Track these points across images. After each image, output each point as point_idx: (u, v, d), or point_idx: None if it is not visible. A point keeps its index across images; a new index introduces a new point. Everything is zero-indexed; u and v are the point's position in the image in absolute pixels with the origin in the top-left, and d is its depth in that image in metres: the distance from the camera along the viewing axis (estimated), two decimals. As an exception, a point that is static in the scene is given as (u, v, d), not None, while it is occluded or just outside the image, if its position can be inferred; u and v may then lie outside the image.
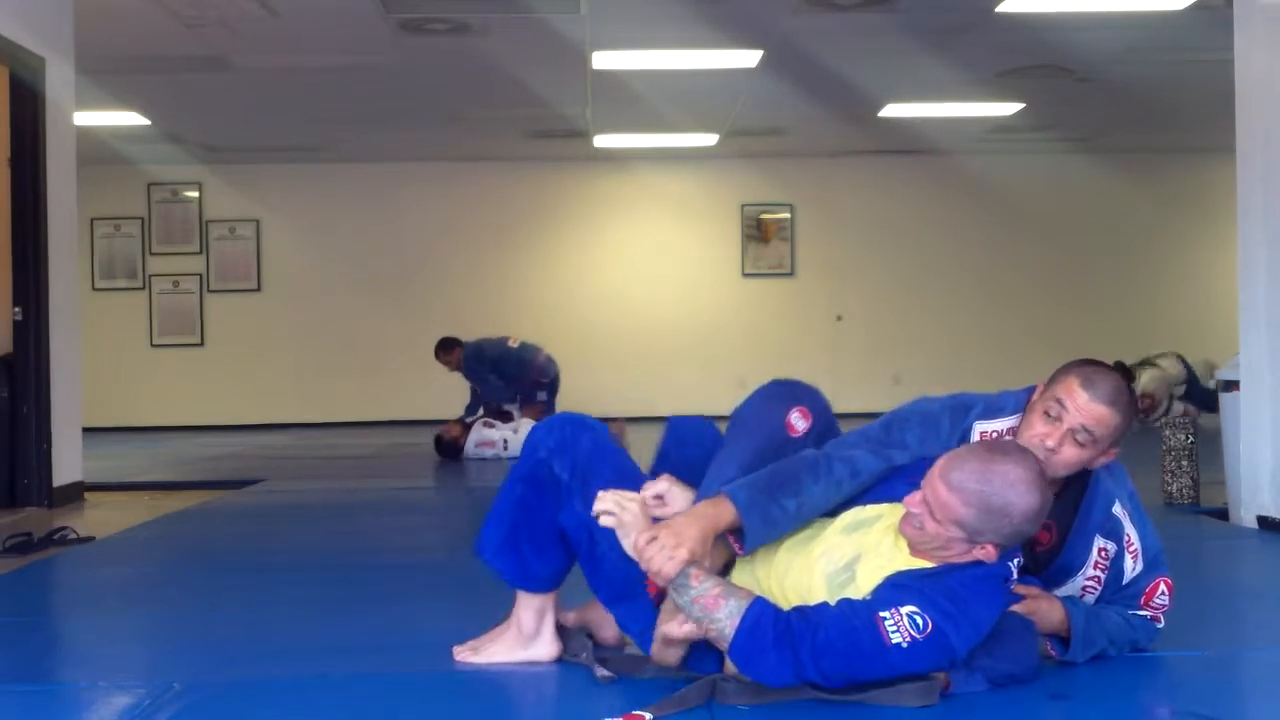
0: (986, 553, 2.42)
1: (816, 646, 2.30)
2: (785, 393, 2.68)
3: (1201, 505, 5.51)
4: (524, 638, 2.76)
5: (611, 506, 2.45)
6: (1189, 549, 4.59)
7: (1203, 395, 9.85)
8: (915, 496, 2.44)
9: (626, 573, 2.56)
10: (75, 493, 6.64)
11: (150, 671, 2.90)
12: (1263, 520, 4.96)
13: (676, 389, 12.55)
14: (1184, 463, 5.57)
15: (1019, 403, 2.70)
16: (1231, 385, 5.28)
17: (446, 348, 9.29)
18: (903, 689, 2.38)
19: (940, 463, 2.44)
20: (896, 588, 2.38)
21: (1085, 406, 2.55)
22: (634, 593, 2.59)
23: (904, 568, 2.44)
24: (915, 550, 2.47)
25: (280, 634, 3.25)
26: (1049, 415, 2.57)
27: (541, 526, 2.66)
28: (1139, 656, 2.80)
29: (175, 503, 6.45)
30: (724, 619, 2.34)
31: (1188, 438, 5.59)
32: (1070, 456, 2.57)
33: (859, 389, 11.79)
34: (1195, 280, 13.00)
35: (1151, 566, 2.74)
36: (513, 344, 9.21)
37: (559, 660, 2.76)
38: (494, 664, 2.75)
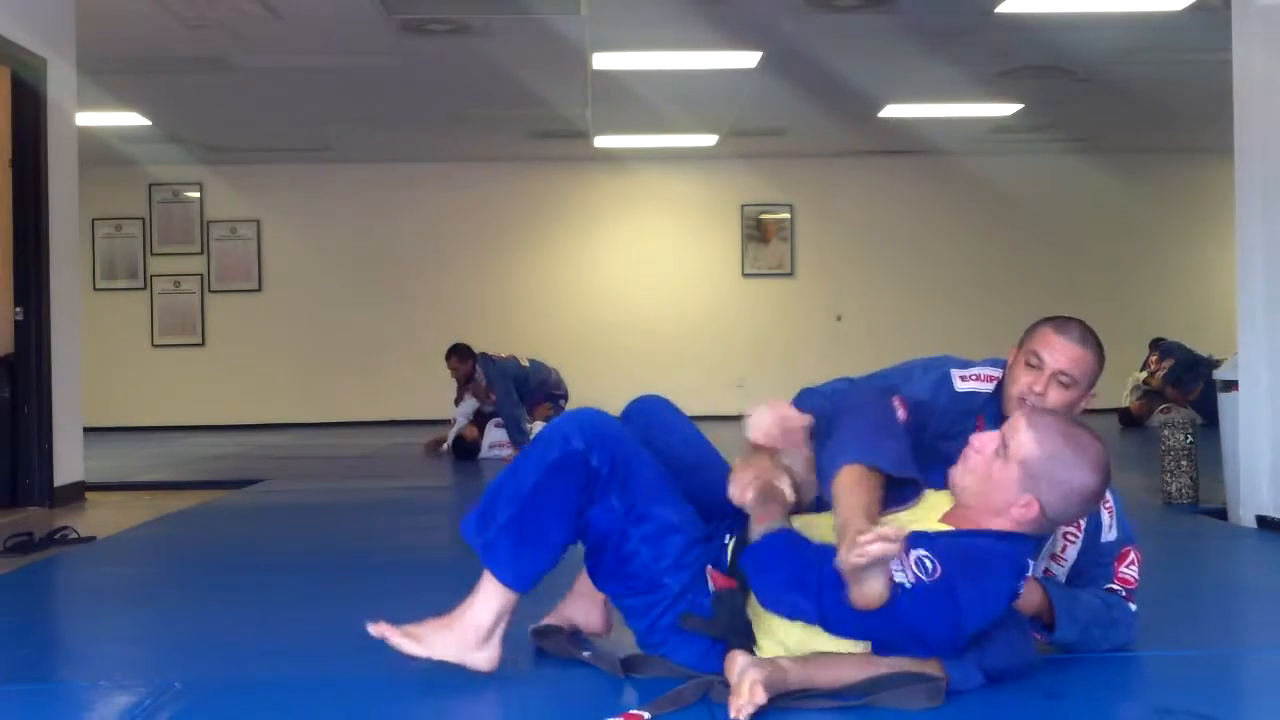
0: (1027, 507, 2.43)
1: (824, 577, 2.34)
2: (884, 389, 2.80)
3: (1200, 505, 5.52)
4: (478, 638, 2.60)
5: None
6: (1189, 549, 4.60)
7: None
8: (986, 434, 2.53)
9: (652, 571, 2.57)
10: (76, 492, 6.65)
11: (150, 671, 2.90)
12: (1261, 520, 4.96)
13: (676, 389, 12.33)
14: (1183, 462, 5.58)
15: (993, 363, 2.91)
16: (1230, 385, 5.28)
17: (461, 356, 9.13)
18: (912, 690, 2.38)
19: (1032, 408, 2.60)
20: (913, 538, 2.40)
21: (1063, 349, 2.75)
22: (654, 589, 2.59)
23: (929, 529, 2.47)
24: (948, 516, 2.51)
25: (281, 634, 3.25)
26: (1030, 365, 2.76)
27: (557, 518, 2.57)
28: (1137, 656, 2.81)
29: (175, 503, 6.46)
30: (755, 533, 2.46)
31: (1186, 437, 5.60)
32: (1057, 399, 2.73)
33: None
34: (1193, 280, 13.01)
35: (1124, 535, 2.83)
36: (524, 363, 9.21)
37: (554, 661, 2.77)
38: (434, 659, 2.61)
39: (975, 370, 2.90)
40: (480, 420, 9.05)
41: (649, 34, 8.04)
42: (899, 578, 2.32)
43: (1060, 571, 2.79)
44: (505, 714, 2.60)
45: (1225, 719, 2.45)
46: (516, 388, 8.96)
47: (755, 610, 2.52)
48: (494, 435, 8.77)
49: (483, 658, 2.61)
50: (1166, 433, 5.66)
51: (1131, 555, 2.83)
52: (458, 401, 9.23)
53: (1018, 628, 2.56)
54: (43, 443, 6.36)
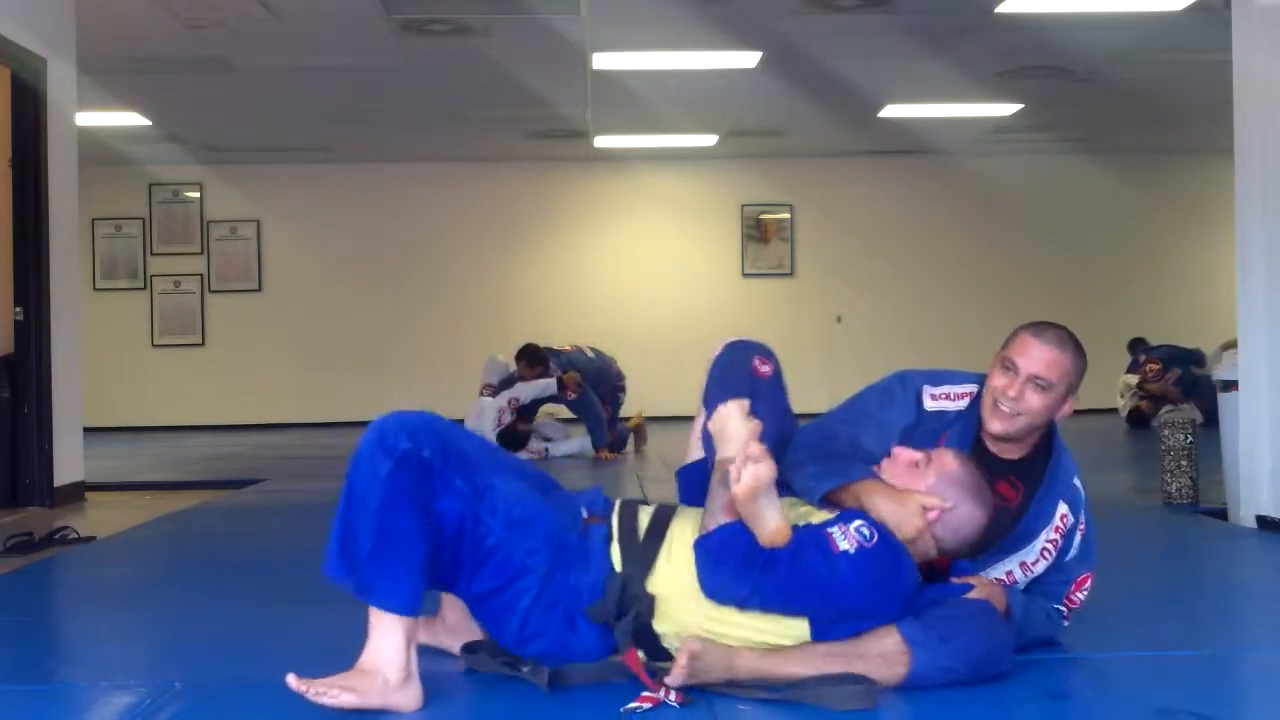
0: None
1: (768, 562, 2.41)
2: (742, 347, 2.90)
3: (1200, 505, 5.51)
4: (397, 678, 2.42)
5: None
6: (1189, 549, 4.60)
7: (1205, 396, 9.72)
8: (910, 454, 2.63)
9: (512, 553, 2.48)
10: (76, 492, 6.65)
11: (150, 671, 2.89)
12: (1262, 520, 4.96)
13: (676, 389, 12.47)
14: (1183, 462, 5.57)
15: (971, 377, 2.91)
16: (1230, 385, 5.28)
17: (531, 360, 8.75)
18: (835, 691, 2.39)
19: (952, 451, 2.65)
20: (844, 514, 2.53)
21: (1039, 352, 2.76)
22: (520, 575, 2.48)
23: None
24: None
25: (281, 634, 3.25)
26: (1006, 368, 2.79)
27: (413, 527, 2.42)
28: (1137, 656, 2.81)
29: (175, 503, 6.46)
30: (715, 510, 2.49)
31: (1186, 437, 5.59)
32: (1034, 403, 2.76)
33: (859, 389, 11.75)
34: (1194, 280, 13.00)
35: (1086, 556, 2.86)
36: (590, 354, 9.17)
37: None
38: (365, 707, 2.41)
39: (947, 389, 2.88)
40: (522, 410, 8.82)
41: (649, 34, 8.04)
42: (843, 545, 2.42)
43: (1023, 580, 2.81)
44: (510, 712, 2.60)
45: (1225, 719, 2.45)
46: (592, 384, 8.88)
47: (658, 592, 2.51)
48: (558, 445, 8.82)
49: (406, 698, 2.43)
50: (1166, 433, 5.66)
51: (1089, 583, 2.87)
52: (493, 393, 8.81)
53: (993, 619, 2.56)
54: (43, 443, 6.35)
